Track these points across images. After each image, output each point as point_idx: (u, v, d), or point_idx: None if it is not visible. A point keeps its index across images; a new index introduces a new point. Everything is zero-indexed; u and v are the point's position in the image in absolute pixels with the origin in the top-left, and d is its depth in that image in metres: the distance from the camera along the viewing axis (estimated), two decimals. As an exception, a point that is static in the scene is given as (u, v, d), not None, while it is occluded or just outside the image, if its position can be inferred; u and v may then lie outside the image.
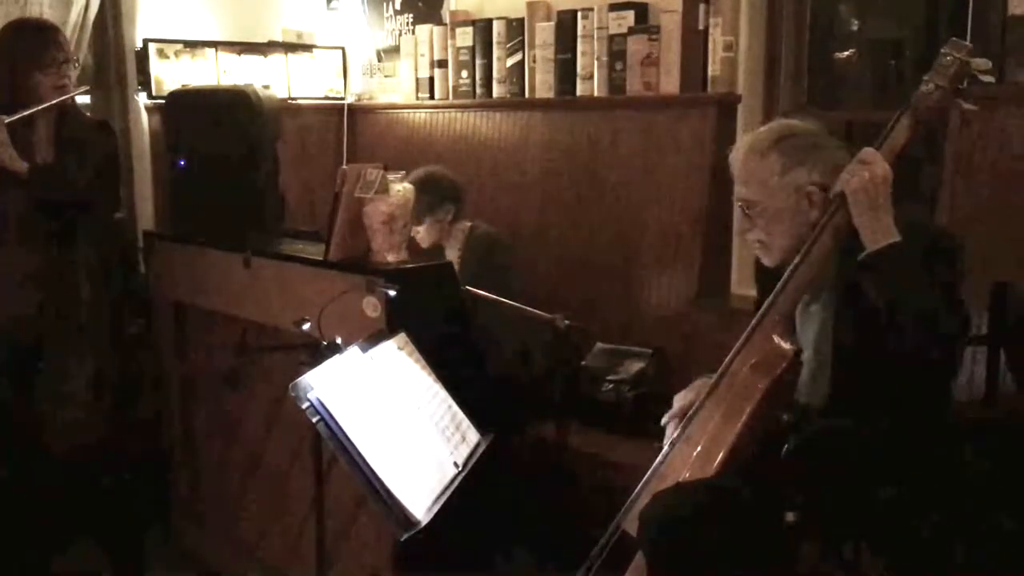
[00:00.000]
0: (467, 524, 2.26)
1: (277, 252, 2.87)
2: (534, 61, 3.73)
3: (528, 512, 2.86)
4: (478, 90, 3.95)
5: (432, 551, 2.22)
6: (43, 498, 3.09)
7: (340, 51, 4.50)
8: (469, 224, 3.47)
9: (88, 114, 3.67)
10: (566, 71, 3.63)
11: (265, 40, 4.31)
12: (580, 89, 3.59)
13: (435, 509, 1.98)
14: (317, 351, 2.16)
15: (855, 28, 3.44)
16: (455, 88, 4.05)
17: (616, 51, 3.45)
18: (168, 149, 3.39)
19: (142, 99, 3.99)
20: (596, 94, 3.54)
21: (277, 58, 4.29)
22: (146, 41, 3.93)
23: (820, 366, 2.08)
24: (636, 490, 2.11)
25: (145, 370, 3.49)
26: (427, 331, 2.38)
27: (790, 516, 1.95)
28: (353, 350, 2.13)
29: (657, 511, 1.96)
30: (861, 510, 1.96)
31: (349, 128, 4.51)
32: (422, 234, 3.38)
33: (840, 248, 2.00)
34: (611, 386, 3.24)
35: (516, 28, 3.79)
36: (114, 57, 3.97)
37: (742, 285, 3.29)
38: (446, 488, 2.06)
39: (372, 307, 2.43)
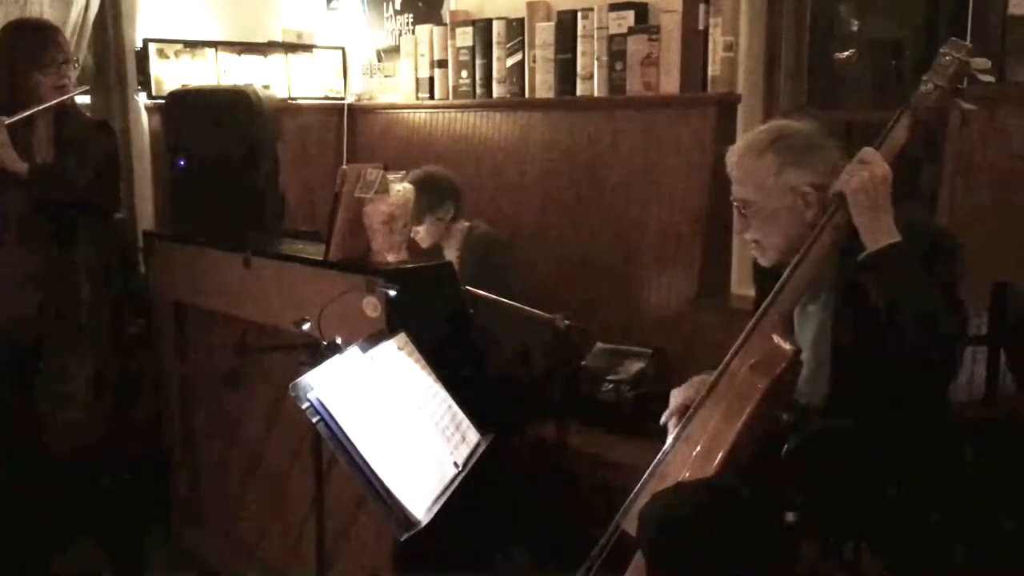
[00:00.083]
0: (467, 524, 2.26)
1: (277, 252, 2.87)
2: (534, 61, 3.73)
3: (528, 512, 2.86)
4: (478, 90, 3.95)
5: (432, 551, 2.22)
6: (43, 498, 3.09)
7: (340, 51, 4.50)
8: (467, 224, 3.48)
9: (88, 114, 3.67)
10: (566, 71, 3.63)
11: (265, 40, 4.31)
12: (580, 89, 3.59)
13: (435, 509, 1.98)
14: (317, 351, 2.16)
15: (855, 28, 3.44)
16: (455, 88, 4.05)
17: (616, 51, 3.45)
18: (168, 149, 3.40)
19: (142, 99, 3.99)
20: (596, 94, 3.54)
21: (277, 58, 4.29)
22: (146, 41, 3.93)
23: (818, 366, 2.08)
24: (636, 490, 2.11)
25: (145, 370, 3.49)
26: (427, 331, 2.38)
27: (790, 516, 1.95)
28: (353, 350, 2.13)
29: (657, 511, 1.96)
30: (861, 510, 1.96)
31: (349, 128, 4.51)
32: (422, 234, 3.38)
33: (839, 248, 2.00)
34: (611, 386, 3.24)
35: (516, 28, 3.79)
36: (114, 57, 3.97)
37: (742, 285, 3.29)
38: (446, 488, 2.06)
39: (372, 307, 2.43)
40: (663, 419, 2.24)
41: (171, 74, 3.96)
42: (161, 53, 3.95)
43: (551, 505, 2.89)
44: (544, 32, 3.68)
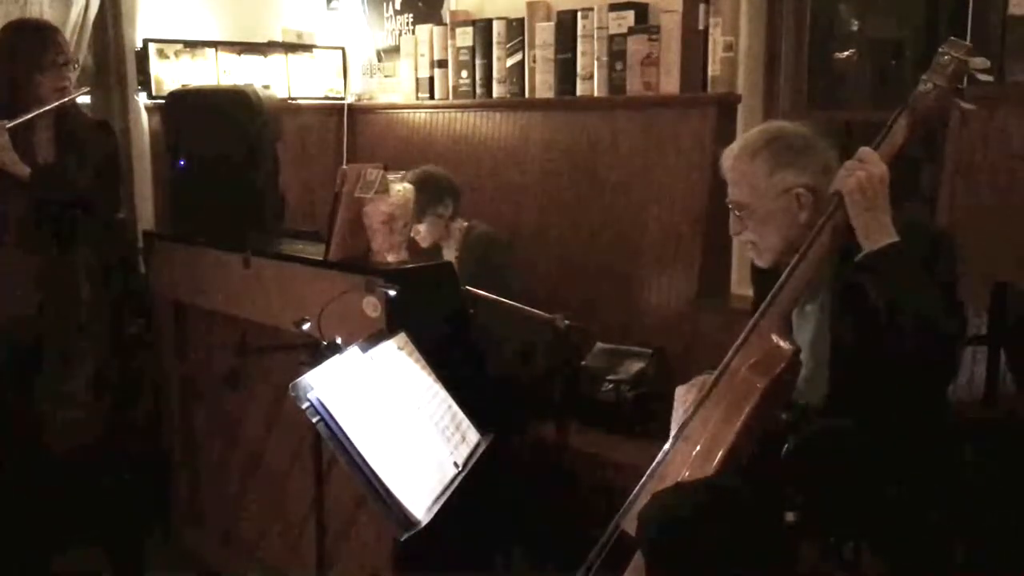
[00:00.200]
0: (467, 524, 2.26)
1: (277, 252, 2.87)
2: (534, 61, 3.73)
3: (528, 512, 2.86)
4: (478, 90, 3.95)
5: (432, 551, 2.22)
6: (43, 498, 3.09)
7: (340, 51, 4.50)
8: (466, 224, 3.49)
9: (88, 114, 3.67)
10: (566, 71, 3.63)
11: (265, 40, 4.31)
12: (580, 89, 3.59)
13: (435, 509, 1.98)
14: (317, 351, 2.16)
15: (855, 28, 3.44)
16: (455, 88, 4.05)
17: (616, 51, 3.45)
18: (168, 149, 3.39)
19: (142, 99, 3.99)
20: (596, 94, 3.54)
21: (277, 58, 4.29)
22: (146, 41, 3.93)
23: (817, 366, 2.08)
24: (635, 490, 2.11)
25: (145, 370, 3.49)
26: (427, 331, 2.38)
27: (790, 516, 1.95)
28: (353, 350, 2.13)
29: (656, 511, 1.96)
30: (861, 510, 1.96)
31: (349, 128, 4.51)
32: (423, 232, 3.39)
33: (838, 248, 2.00)
34: (611, 386, 3.24)
35: (516, 28, 3.79)
36: (114, 57, 3.97)
37: (742, 285, 3.29)
38: (446, 488, 2.06)
39: (372, 307, 2.43)
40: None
41: (171, 74, 3.96)
42: (161, 53, 3.95)
43: (551, 505, 2.89)
44: (544, 32, 3.68)
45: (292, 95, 4.32)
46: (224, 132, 3.16)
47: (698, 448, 2.01)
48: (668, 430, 2.20)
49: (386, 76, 4.45)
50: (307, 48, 4.40)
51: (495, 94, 3.89)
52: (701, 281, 3.30)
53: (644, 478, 2.11)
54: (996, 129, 2.61)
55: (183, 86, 3.75)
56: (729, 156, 2.14)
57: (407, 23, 4.31)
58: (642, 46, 3.38)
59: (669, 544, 1.92)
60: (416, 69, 4.22)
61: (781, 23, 3.30)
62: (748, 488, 1.95)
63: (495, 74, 3.88)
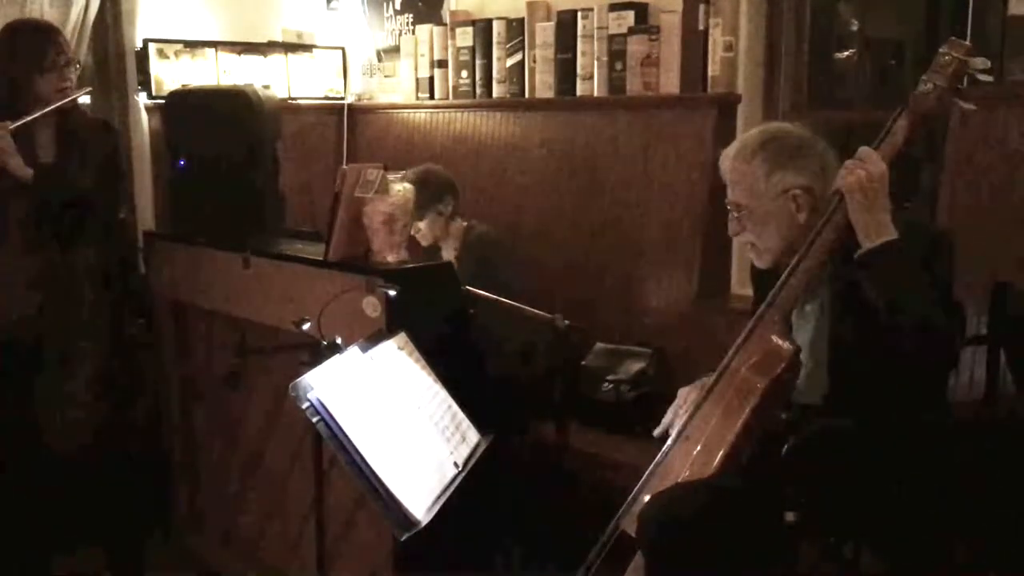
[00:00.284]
0: (467, 524, 2.26)
1: (277, 252, 2.87)
2: (534, 61, 3.73)
3: (528, 512, 2.86)
4: (478, 90, 3.95)
5: (432, 551, 2.22)
6: (43, 498, 3.09)
7: (340, 51, 4.50)
8: (465, 224, 3.49)
9: (89, 114, 3.67)
10: (566, 71, 3.63)
11: (265, 40, 4.31)
12: (580, 89, 3.59)
13: (435, 509, 1.98)
14: (317, 351, 2.16)
15: (855, 28, 3.44)
16: (455, 88, 4.05)
17: (616, 51, 3.45)
18: (168, 149, 3.39)
19: (142, 99, 3.98)
20: (596, 94, 3.54)
21: (277, 58, 4.29)
22: (146, 41, 3.93)
23: (816, 366, 2.09)
24: (635, 490, 2.11)
25: (145, 370, 3.49)
26: (427, 331, 2.38)
27: (790, 516, 1.95)
28: (353, 350, 2.13)
29: (656, 511, 1.96)
30: (861, 510, 1.96)
31: (349, 128, 4.50)
32: (424, 230, 3.40)
33: (839, 248, 2.00)
34: (611, 386, 3.24)
35: (516, 28, 3.79)
36: (114, 57, 3.96)
37: (742, 285, 3.29)
38: (446, 488, 2.06)
39: (372, 307, 2.43)
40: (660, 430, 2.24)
41: (171, 74, 3.96)
42: (161, 53, 3.95)
43: (551, 505, 2.89)
44: (544, 32, 3.68)
45: (292, 95, 4.32)
46: (224, 132, 3.16)
47: (698, 448, 2.02)
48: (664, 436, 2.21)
49: (386, 76, 4.45)
50: (307, 48, 4.39)
51: (495, 94, 3.89)
52: (701, 281, 3.30)
53: (644, 478, 2.11)
54: (996, 129, 2.61)
55: (183, 86, 3.75)
56: (727, 157, 2.15)
57: (407, 23, 4.31)
58: (642, 46, 3.38)
59: (669, 544, 1.92)
60: (416, 69, 4.22)
61: (781, 23, 3.29)
62: (748, 488, 1.95)
63: (495, 74, 3.88)
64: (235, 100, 3.19)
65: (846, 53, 3.42)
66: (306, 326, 2.29)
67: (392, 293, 2.38)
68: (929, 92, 1.95)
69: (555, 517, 2.85)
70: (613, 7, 3.46)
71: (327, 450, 2.08)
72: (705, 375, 2.20)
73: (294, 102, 4.31)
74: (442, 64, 4.10)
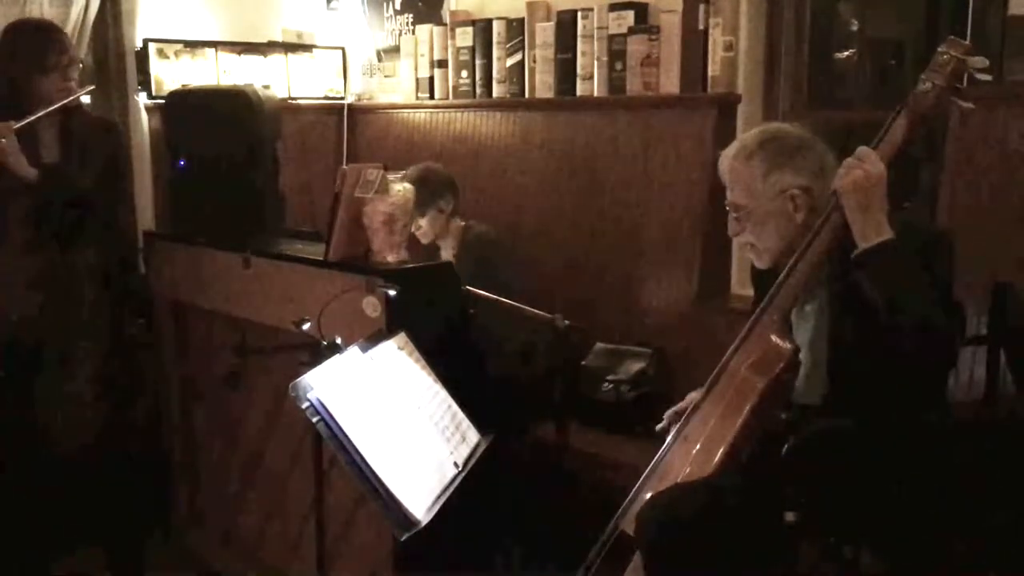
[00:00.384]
0: (467, 524, 2.26)
1: (277, 252, 2.87)
2: (534, 61, 3.73)
3: (528, 512, 2.86)
4: (478, 90, 3.95)
5: (432, 551, 2.22)
6: (43, 498, 3.09)
7: (340, 51, 4.50)
8: (463, 224, 3.50)
9: (92, 113, 3.66)
10: (566, 71, 3.63)
11: (265, 40, 4.31)
12: (580, 89, 3.59)
13: (435, 509, 1.98)
14: (317, 351, 2.16)
15: (855, 28, 3.44)
16: (455, 88, 4.05)
17: (616, 51, 3.45)
18: (168, 149, 3.39)
19: (142, 99, 3.98)
20: (596, 94, 3.54)
21: (277, 58, 4.29)
22: (146, 41, 3.93)
23: (815, 366, 2.09)
24: (634, 490, 2.11)
25: (145, 370, 3.49)
26: (427, 331, 2.38)
27: (790, 516, 1.95)
28: (353, 350, 2.13)
29: (655, 511, 1.96)
30: (861, 510, 1.96)
31: (349, 128, 4.51)
32: (425, 227, 3.42)
33: (838, 247, 2.00)
34: (611, 386, 3.24)
35: (516, 28, 3.79)
36: (114, 57, 3.96)
37: (742, 285, 3.29)
38: (446, 488, 2.06)
39: (372, 307, 2.43)
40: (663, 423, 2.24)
41: (171, 74, 3.96)
42: (161, 53, 3.95)
43: (551, 505, 2.89)
44: (544, 32, 3.68)
45: (292, 95, 4.32)
46: (224, 132, 3.16)
47: (697, 448, 2.02)
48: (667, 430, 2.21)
49: (386, 76, 4.45)
50: (307, 48, 4.40)
51: (495, 94, 3.89)
52: (701, 281, 3.29)
53: (643, 478, 2.11)
54: (996, 129, 2.61)
55: (183, 86, 3.75)
56: (726, 158, 2.15)
57: (407, 23, 4.31)
58: (642, 46, 3.38)
59: (668, 544, 1.92)
60: (416, 69, 4.22)
61: (781, 23, 3.29)
62: (748, 488, 1.95)
63: (495, 74, 3.88)
64: (235, 100, 3.19)
65: (846, 53, 3.42)
66: (306, 326, 2.29)
67: (392, 293, 2.38)
68: (928, 91, 1.95)
69: (555, 517, 2.85)
70: (613, 7, 3.46)
71: (327, 450, 2.08)
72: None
73: (294, 102, 4.31)
74: (442, 64, 4.10)
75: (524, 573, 2.85)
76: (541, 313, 2.77)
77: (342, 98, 4.50)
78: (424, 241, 3.46)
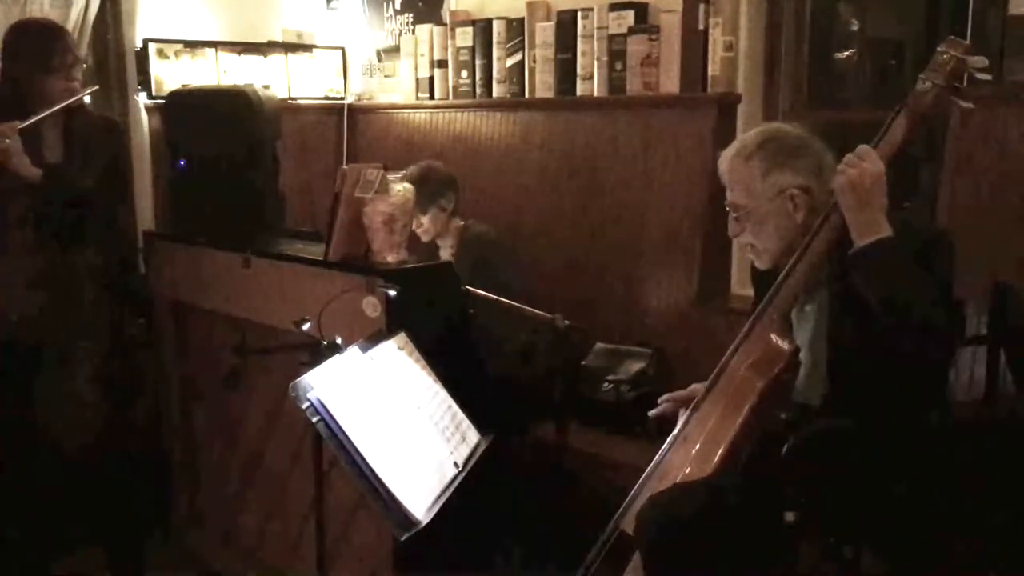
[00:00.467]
0: (467, 524, 2.26)
1: (277, 252, 2.87)
2: (534, 61, 3.73)
3: (528, 512, 2.86)
4: (478, 90, 3.95)
5: (432, 551, 2.22)
6: (43, 498, 3.09)
7: (340, 51, 4.50)
8: (462, 223, 3.50)
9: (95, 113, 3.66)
10: (566, 71, 3.63)
11: (265, 40, 4.31)
12: (580, 89, 3.59)
13: (435, 509, 1.98)
14: (317, 351, 2.16)
15: (855, 28, 3.44)
16: (455, 88, 4.05)
17: (616, 51, 3.45)
18: (168, 149, 3.39)
19: (142, 99, 3.99)
20: (596, 94, 3.54)
21: (277, 58, 4.29)
22: (146, 41, 3.93)
23: (815, 366, 2.09)
24: (634, 490, 2.11)
25: (145, 370, 3.49)
26: (427, 331, 2.38)
27: (790, 516, 1.95)
28: (353, 350, 2.13)
29: (655, 511, 1.96)
30: (861, 510, 1.96)
31: (349, 128, 4.51)
32: (426, 225, 3.42)
33: (838, 247, 2.00)
34: (611, 386, 3.24)
35: (516, 28, 3.79)
36: (114, 57, 3.97)
37: (742, 285, 3.29)
38: (446, 488, 2.06)
39: (372, 307, 2.43)
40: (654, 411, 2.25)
41: (171, 74, 3.96)
42: (161, 53, 3.95)
43: (551, 505, 2.89)
44: (544, 32, 3.68)
45: (292, 95, 4.32)
46: (224, 132, 3.16)
47: (697, 448, 2.02)
48: (661, 429, 2.21)
49: (386, 76, 4.45)
50: (307, 48, 4.40)
51: (495, 94, 3.89)
52: (701, 281, 3.30)
53: (643, 478, 2.11)
54: (996, 129, 2.61)
55: (183, 86, 3.75)
56: (725, 159, 2.15)
57: (407, 23, 4.32)
58: (642, 46, 3.38)
59: (668, 544, 1.92)
60: (416, 69, 4.22)
61: (781, 23, 3.30)
62: (748, 488, 1.95)
63: (495, 74, 3.88)
64: (235, 100, 3.19)
65: (846, 53, 3.42)
66: (306, 326, 2.29)
67: (392, 293, 2.38)
68: (927, 91, 1.95)
69: (555, 517, 2.85)
70: (613, 7, 3.46)
71: (327, 450, 2.08)
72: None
73: (294, 102, 4.31)
74: (442, 64, 4.10)
75: (524, 573, 2.85)
76: (541, 313, 2.77)
77: (342, 98, 4.50)
78: (425, 239, 3.46)
